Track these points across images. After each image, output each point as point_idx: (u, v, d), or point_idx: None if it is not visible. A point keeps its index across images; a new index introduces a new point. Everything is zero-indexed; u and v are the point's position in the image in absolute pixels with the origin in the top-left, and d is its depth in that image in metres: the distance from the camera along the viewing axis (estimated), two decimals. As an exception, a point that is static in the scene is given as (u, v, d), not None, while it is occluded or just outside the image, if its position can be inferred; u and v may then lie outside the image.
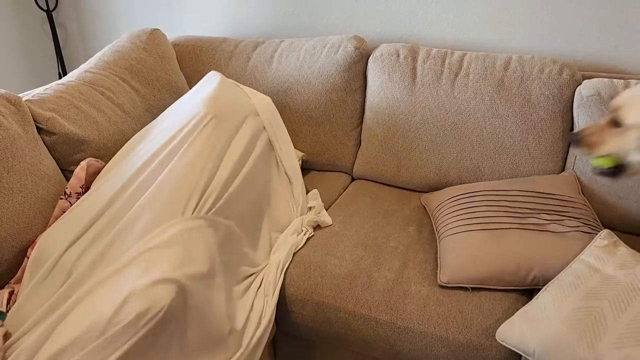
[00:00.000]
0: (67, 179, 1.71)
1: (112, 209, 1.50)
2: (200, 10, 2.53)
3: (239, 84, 1.94)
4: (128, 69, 1.98)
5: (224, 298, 1.40)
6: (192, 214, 1.47)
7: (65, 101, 1.72)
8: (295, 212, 1.81)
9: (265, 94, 2.14)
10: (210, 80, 1.88)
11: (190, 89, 2.20)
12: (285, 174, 1.87)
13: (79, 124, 1.70)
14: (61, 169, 1.70)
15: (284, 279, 1.60)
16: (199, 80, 2.21)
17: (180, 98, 1.92)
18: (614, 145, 1.39)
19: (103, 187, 1.57)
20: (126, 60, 1.99)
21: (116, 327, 1.18)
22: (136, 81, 1.98)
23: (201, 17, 2.54)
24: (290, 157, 1.90)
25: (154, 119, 1.98)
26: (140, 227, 1.43)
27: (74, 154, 1.70)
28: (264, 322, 1.48)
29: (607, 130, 1.40)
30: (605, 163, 1.42)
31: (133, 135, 1.85)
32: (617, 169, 1.42)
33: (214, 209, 1.53)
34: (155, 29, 2.15)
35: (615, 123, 1.38)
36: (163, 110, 2.02)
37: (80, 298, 1.29)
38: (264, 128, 1.84)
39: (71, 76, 1.87)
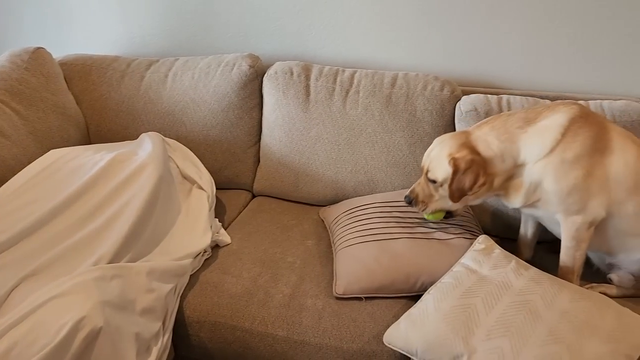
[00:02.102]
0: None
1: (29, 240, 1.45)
2: (90, 28, 2.44)
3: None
4: (8, 90, 1.87)
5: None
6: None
7: None
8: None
9: (160, 114, 2.12)
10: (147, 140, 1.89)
11: (80, 109, 2.14)
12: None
13: (-50, 150, 1.59)
14: None
15: (180, 301, 1.57)
16: (88, 101, 2.16)
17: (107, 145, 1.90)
18: (439, 199, 1.61)
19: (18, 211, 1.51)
20: (5, 81, 1.88)
21: (56, 340, 1.17)
22: (17, 103, 1.88)
23: (91, 35, 2.46)
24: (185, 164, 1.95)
25: (39, 142, 1.89)
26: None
27: (-56, 183, 1.58)
28: (159, 348, 1.44)
29: (429, 187, 1.61)
30: (437, 217, 1.65)
31: (14, 160, 1.75)
32: (448, 214, 1.66)
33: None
34: (38, 48, 2.05)
35: (431, 180, 1.59)
36: (50, 133, 1.94)
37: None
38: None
39: (-58, 99, 1.74)
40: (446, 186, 1.55)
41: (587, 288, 1.57)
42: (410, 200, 1.64)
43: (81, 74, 2.18)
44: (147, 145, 1.83)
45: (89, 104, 2.17)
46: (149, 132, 1.95)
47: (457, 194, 1.53)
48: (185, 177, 1.90)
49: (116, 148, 1.83)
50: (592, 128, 1.48)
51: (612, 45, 1.95)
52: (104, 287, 1.34)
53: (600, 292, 1.54)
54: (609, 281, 1.62)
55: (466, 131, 1.59)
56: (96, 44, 2.46)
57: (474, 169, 1.49)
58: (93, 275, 1.35)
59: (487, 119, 1.60)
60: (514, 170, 1.53)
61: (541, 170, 1.48)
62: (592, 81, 2.02)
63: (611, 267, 1.65)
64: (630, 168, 1.47)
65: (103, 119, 2.17)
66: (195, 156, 2.02)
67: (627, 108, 1.78)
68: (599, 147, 1.47)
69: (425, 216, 1.66)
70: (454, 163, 1.50)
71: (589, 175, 1.46)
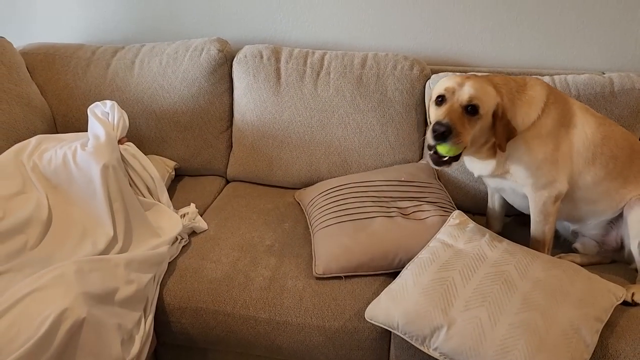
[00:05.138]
0: None
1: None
2: (51, 16, 2.37)
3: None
4: (-32, 82, 1.81)
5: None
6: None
7: None
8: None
9: (129, 101, 2.08)
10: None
11: (45, 99, 2.09)
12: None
13: None
14: None
15: (160, 289, 1.57)
16: (54, 91, 2.11)
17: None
18: (470, 133, 1.38)
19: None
20: (-35, 73, 1.82)
21: (39, 333, 1.16)
22: (-21, 95, 1.82)
23: (53, 23, 2.38)
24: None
25: (3, 134, 1.84)
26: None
27: None
28: (142, 336, 1.44)
29: (464, 117, 1.38)
30: (451, 151, 1.39)
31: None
32: (453, 158, 1.43)
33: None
34: (-2, 37, 1.98)
35: (469, 109, 1.39)
36: (15, 125, 1.90)
37: None
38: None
39: None
40: (480, 123, 1.40)
41: (557, 258, 1.63)
42: (444, 130, 1.32)
43: (44, 64, 2.12)
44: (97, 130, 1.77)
45: (55, 93, 2.12)
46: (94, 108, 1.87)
47: (504, 137, 1.43)
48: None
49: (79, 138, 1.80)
50: (560, 104, 1.53)
51: (575, 21, 2.00)
52: (84, 279, 1.32)
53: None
54: (574, 251, 1.69)
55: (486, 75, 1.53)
56: (58, 32, 2.38)
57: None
58: (72, 269, 1.33)
59: (485, 74, 1.56)
60: None
61: (515, 141, 1.49)
62: (556, 57, 2.07)
63: (575, 235, 1.71)
64: (589, 140, 1.53)
65: (70, 109, 2.12)
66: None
67: (591, 81, 1.83)
68: (564, 122, 1.52)
69: (441, 149, 1.38)
70: (501, 102, 1.41)
71: (557, 150, 1.51)
